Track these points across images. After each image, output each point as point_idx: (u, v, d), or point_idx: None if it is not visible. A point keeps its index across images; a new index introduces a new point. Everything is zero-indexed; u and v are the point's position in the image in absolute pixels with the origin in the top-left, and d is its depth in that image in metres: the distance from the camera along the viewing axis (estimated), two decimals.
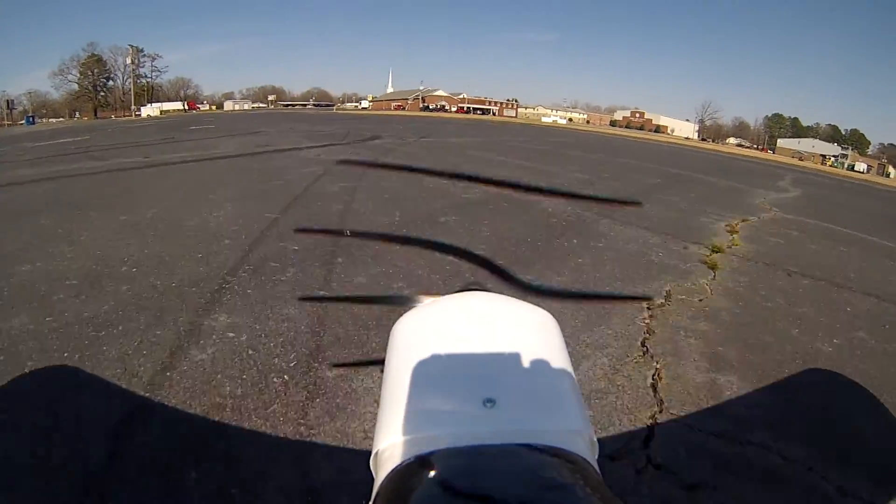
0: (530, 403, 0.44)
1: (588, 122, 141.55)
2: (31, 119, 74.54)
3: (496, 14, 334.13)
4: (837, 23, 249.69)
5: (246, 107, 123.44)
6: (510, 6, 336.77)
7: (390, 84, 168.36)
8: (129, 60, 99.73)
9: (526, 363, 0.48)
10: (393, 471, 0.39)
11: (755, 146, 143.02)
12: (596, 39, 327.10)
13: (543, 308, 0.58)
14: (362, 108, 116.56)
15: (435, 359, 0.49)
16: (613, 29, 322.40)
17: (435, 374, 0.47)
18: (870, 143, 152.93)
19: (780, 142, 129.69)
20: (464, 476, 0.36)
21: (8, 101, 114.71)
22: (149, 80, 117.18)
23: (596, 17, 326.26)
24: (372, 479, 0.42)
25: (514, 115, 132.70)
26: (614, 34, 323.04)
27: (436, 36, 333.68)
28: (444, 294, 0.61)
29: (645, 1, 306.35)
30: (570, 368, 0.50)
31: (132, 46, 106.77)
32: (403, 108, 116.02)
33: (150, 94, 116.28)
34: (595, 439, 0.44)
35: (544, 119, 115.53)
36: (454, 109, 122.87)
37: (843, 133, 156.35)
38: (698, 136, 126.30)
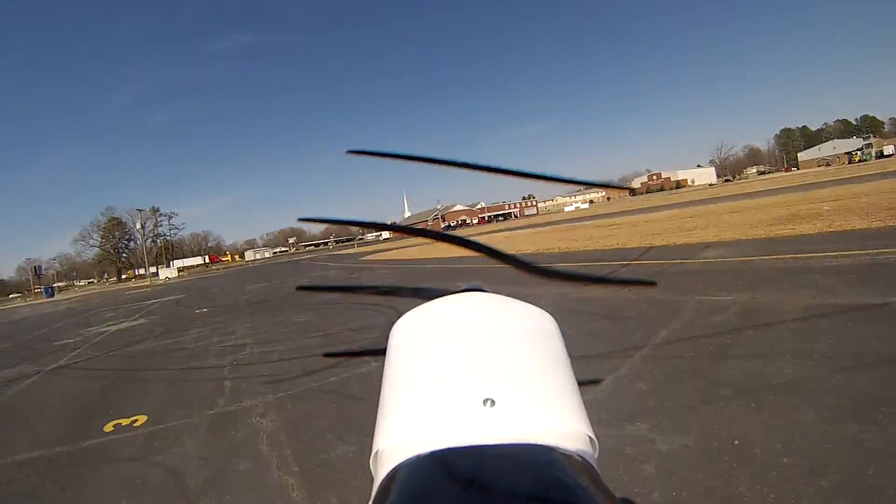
0: (530, 403, 0.44)
1: (608, 198, 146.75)
2: (50, 291, 74.26)
3: (494, 115, 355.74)
4: (816, 20, 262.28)
5: (267, 254, 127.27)
6: (504, 106, 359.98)
7: (406, 209, 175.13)
8: (138, 225, 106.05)
9: (525, 363, 0.50)
10: (393, 471, 0.40)
11: (775, 168, 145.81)
12: (595, 114, 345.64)
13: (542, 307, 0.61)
14: (383, 239, 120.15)
15: (434, 358, 0.51)
16: (610, 100, 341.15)
17: (434, 373, 0.49)
18: (883, 123, 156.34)
19: (801, 155, 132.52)
20: (463, 476, 0.37)
21: (35, 267, 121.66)
22: (167, 238, 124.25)
23: (590, 95, 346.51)
24: (372, 479, 0.43)
25: (535, 212, 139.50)
26: (611, 105, 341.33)
27: (439, 150, 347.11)
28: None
29: (631, 63, 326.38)
30: (569, 368, 0.52)
31: (141, 210, 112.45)
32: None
33: (171, 251, 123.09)
34: (595, 439, 0.45)
35: (566, 209, 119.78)
36: (475, 222, 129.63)
37: (855, 123, 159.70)
38: (720, 179, 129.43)
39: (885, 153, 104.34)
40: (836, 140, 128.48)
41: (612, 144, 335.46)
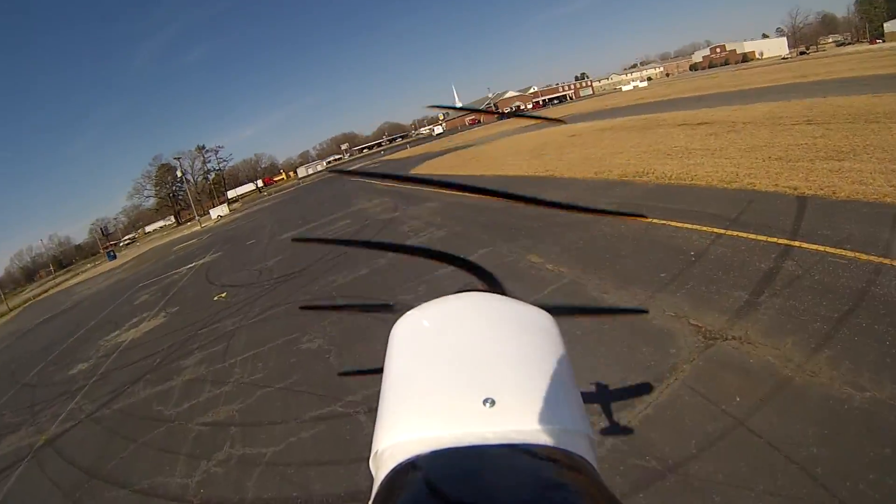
0: (530, 403, 0.45)
1: (668, 74, 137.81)
2: (112, 254, 72.59)
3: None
4: None
5: (319, 168, 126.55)
6: None
7: (457, 99, 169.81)
8: (184, 166, 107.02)
9: (525, 363, 0.50)
10: (392, 471, 0.41)
11: (857, 39, 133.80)
12: None
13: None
14: (437, 134, 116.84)
15: (434, 359, 0.52)
16: None
17: (434, 374, 0.50)
18: None
19: (888, 25, 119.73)
20: (463, 476, 0.38)
21: (102, 228, 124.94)
22: (219, 170, 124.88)
23: None
24: (372, 479, 0.44)
25: (590, 92, 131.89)
26: None
27: (487, 33, 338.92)
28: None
29: None
30: (569, 368, 0.53)
31: (182, 154, 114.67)
32: (479, 122, 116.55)
33: (224, 184, 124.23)
34: (595, 439, 0.45)
35: (624, 88, 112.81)
36: (530, 106, 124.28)
37: None
38: (793, 50, 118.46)
39: None
40: None
41: (670, 14, 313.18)
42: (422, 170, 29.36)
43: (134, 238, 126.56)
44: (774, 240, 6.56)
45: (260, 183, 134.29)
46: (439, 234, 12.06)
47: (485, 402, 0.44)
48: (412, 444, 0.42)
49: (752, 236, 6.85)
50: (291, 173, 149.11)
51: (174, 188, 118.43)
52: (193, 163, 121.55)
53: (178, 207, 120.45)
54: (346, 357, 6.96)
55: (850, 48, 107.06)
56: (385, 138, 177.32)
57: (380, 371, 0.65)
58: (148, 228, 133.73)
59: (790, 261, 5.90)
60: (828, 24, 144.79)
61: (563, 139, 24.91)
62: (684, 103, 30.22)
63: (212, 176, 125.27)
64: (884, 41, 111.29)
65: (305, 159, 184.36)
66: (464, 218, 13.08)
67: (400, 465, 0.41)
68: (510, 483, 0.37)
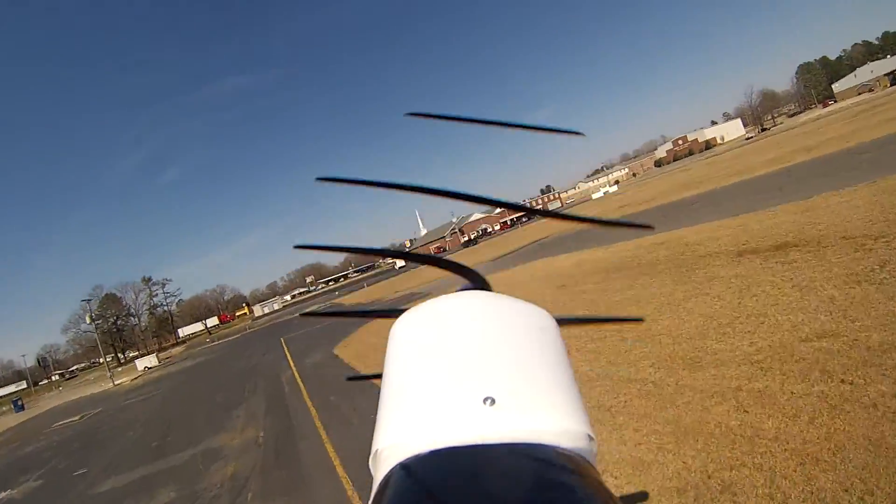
0: (529, 402, 0.45)
1: (634, 174, 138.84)
2: (19, 405, 62.38)
3: (500, 104, 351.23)
4: None
5: (276, 306, 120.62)
6: (505, 97, 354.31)
7: (421, 226, 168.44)
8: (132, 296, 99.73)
9: (525, 362, 0.50)
10: (392, 470, 0.41)
11: (805, 107, 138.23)
12: (601, 89, 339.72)
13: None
14: (399, 267, 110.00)
15: (434, 358, 0.51)
16: (612, 74, 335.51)
17: (434, 373, 0.49)
18: None
19: (836, 86, 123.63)
20: (463, 476, 0.38)
21: (40, 358, 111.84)
22: (164, 307, 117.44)
23: (591, 71, 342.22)
24: (372, 479, 0.44)
25: (559, 205, 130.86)
26: (615, 78, 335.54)
27: (448, 159, 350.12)
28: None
29: (624, 30, 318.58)
30: (569, 367, 0.53)
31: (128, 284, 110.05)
32: (444, 250, 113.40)
33: (171, 321, 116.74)
34: (595, 439, 0.46)
35: (595, 196, 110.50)
36: (498, 228, 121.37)
37: (877, 42, 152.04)
38: (755, 129, 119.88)
39: None
40: (871, 63, 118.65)
41: (623, 117, 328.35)
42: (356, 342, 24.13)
43: (60, 382, 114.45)
44: None
45: (214, 321, 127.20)
46: None
47: (485, 401, 0.45)
48: (412, 444, 0.43)
49: None
50: (257, 307, 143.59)
51: (118, 323, 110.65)
52: (138, 296, 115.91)
53: (122, 345, 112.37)
54: None
55: (804, 116, 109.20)
56: (351, 269, 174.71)
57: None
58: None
59: None
60: (770, 100, 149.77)
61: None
62: (687, 208, 25.75)
63: (159, 311, 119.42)
64: (835, 101, 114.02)
65: (273, 291, 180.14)
66: None
67: (400, 464, 0.42)
68: (510, 483, 0.37)
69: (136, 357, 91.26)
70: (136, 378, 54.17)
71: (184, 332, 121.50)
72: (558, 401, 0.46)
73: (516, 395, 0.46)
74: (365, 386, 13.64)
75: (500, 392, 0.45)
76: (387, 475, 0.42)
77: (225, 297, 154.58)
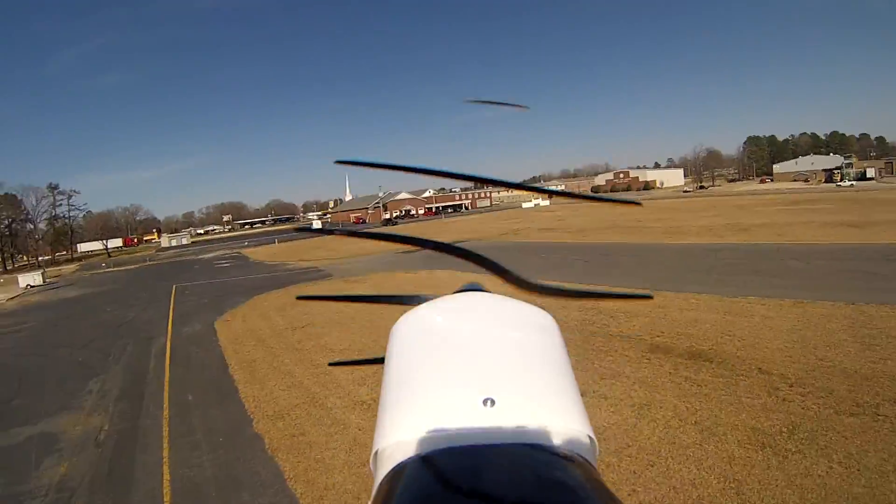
0: (530, 403, 0.45)
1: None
2: None
3: (448, 96, 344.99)
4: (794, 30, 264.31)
5: (184, 241, 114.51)
6: (457, 86, 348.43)
7: (348, 191, 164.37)
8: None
9: (525, 362, 0.51)
10: (392, 470, 0.42)
11: (744, 177, 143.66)
12: (559, 104, 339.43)
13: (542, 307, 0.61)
14: (315, 228, 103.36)
15: (434, 358, 0.52)
16: (577, 90, 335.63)
17: (434, 373, 0.50)
18: (853, 141, 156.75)
19: (776, 167, 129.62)
20: (463, 476, 0.38)
21: None
22: (67, 219, 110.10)
23: (557, 81, 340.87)
24: (372, 479, 0.45)
25: (487, 203, 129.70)
26: (579, 96, 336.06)
27: (389, 130, 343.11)
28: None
29: (603, 53, 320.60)
30: (569, 367, 0.53)
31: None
32: (363, 221, 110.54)
33: (71, 236, 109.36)
34: (594, 438, 0.46)
35: (525, 205, 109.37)
36: (422, 212, 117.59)
37: (824, 138, 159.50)
38: (694, 185, 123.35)
39: (868, 176, 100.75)
40: (814, 156, 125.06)
41: (573, 133, 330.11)
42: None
43: None
44: None
45: (118, 242, 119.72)
46: None
47: (485, 401, 0.45)
48: (412, 444, 0.43)
49: None
50: (164, 234, 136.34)
51: (13, 226, 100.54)
52: (39, 203, 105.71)
53: (13, 251, 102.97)
54: None
55: (741, 185, 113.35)
56: (270, 217, 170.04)
57: (369, 362, 0.70)
58: None
59: None
60: (714, 158, 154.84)
61: None
62: (616, 257, 25.32)
63: (60, 223, 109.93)
64: (772, 180, 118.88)
65: (189, 222, 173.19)
66: None
67: (400, 464, 0.42)
68: (510, 483, 0.38)
69: (25, 266, 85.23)
70: (12, 298, 48.60)
71: (84, 247, 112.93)
72: (558, 401, 0.47)
73: (516, 396, 0.46)
74: (230, 394, 12.51)
75: (500, 393, 0.45)
76: (387, 475, 0.42)
77: (137, 218, 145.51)
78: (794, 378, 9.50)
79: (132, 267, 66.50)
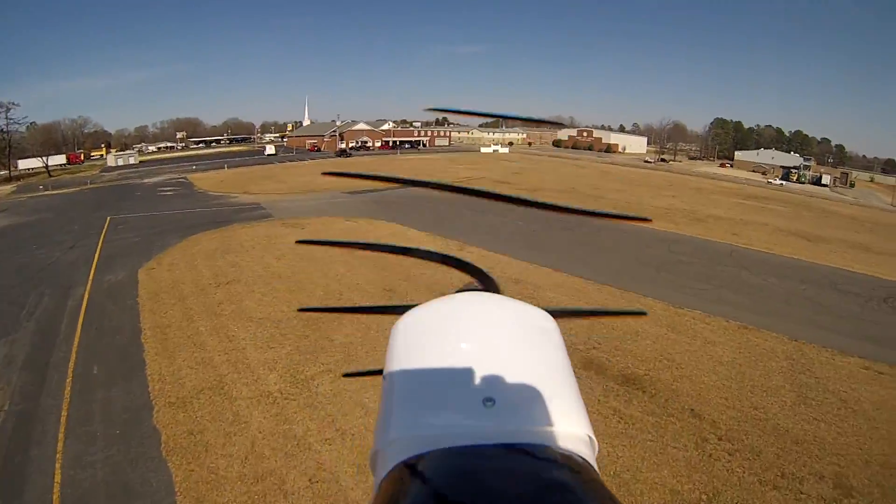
0: (529, 403, 0.46)
1: (530, 143, 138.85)
2: None
3: (419, 28, 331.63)
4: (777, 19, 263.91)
5: (132, 160, 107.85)
6: (433, 17, 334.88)
7: (306, 116, 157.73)
8: None
9: (525, 363, 0.51)
10: (392, 470, 0.42)
11: (705, 157, 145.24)
12: (526, 49, 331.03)
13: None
14: (268, 154, 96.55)
15: (434, 359, 0.52)
16: (544, 38, 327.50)
17: (434, 373, 0.50)
18: (814, 142, 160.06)
19: (738, 154, 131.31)
20: (463, 476, 0.39)
21: None
22: (4, 134, 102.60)
23: (525, 26, 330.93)
24: (372, 479, 0.45)
25: (446, 143, 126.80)
26: (545, 44, 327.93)
27: (353, 56, 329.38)
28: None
29: (575, 5, 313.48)
30: (569, 368, 0.54)
31: None
32: (318, 149, 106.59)
33: (8, 151, 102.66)
34: (594, 439, 0.46)
35: (483, 149, 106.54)
36: (378, 145, 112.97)
37: (787, 135, 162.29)
38: (655, 155, 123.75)
39: (823, 182, 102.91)
40: (775, 150, 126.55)
41: (544, 80, 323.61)
42: None
43: None
44: None
45: (59, 160, 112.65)
46: None
47: (485, 401, 0.45)
48: (412, 444, 0.43)
49: None
50: (112, 150, 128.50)
51: None
52: None
53: None
54: None
55: (701, 165, 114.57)
56: (226, 136, 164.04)
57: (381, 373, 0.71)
58: None
59: None
60: (679, 132, 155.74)
61: None
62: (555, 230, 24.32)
63: None
64: (732, 166, 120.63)
65: (141, 137, 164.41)
66: None
67: (400, 464, 0.42)
68: (509, 483, 0.38)
69: None
70: None
71: (25, 164, 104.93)
72: (558, 402, 0.47)
73: (516, 396, 0.46)
74: (137, 369, 11.70)
75: (499, 393, 0.46)
76: (387, 475, 0.42)
77: (85, 130, 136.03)
78: (724, 428, 9.13)
79: (71, 191, 60.63)
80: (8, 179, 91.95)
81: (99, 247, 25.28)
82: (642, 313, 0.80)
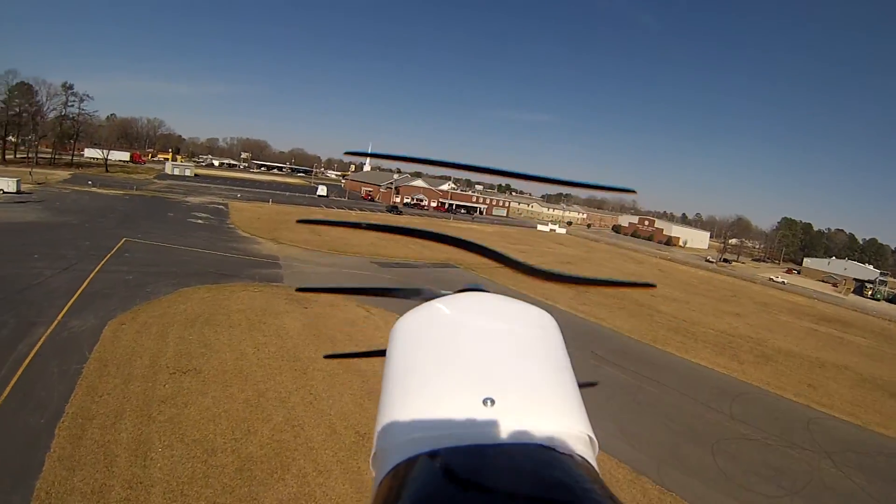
0: (530, 402, 0.46)
1: (589, 225, 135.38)
2: None
3: (487, 92, 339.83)
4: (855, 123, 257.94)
5: (187, 172, 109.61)
6: (503, 85, 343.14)
7: (368, 161, 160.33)
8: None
9: (525, 362, 0.51)
10: (392, 469, 0.42)
11: (771, 259, 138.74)
12: (594, 124, 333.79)
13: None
14: (319, 195, 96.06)
15: (435, 358, 0.52)
16: (613, 114, 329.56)
17: (435, 373, 0.50)
18: (890, 251, 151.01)
19: (807, 262, 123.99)
20: (463, 475, 0.39)
21: None
22: (73, 118, 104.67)
23: (594, 100, 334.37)
24: (373, 478, 0.45)
25: (504, 213, 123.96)
26: (614, 119, 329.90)
27: (422, 110, 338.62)
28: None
29: (648, 88, 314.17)
30: (569, 367, 0.54)
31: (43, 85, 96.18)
32: (372, 199, 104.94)
33: (76, 135, 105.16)
34: (594, 438, 0.47)
35: (540, 227, 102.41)
36: (434, 205, 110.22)
37: (861, 242, 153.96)
38: (718, 255, 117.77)
39: None
40: (849, 261, 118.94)
41: (607, 160, 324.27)
42: None
43: None
44: None
45: (123, 156, 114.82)
46: None
47: (485, 401, 0.45)
48: (412, 443, 0.43)
49: None
50: (178, 157, 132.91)
51: (21, 115, 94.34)
52: (51, 99, 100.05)
53: (17, 140, 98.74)
54: None
55: (765, 270, 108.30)
56: (289, 165, 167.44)
57: (363, 354, 0.72)
58: None
59: None
60: (743, 227, 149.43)
61: None
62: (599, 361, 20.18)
63: (68, 124, 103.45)
64: (799, 273, 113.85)
65: (210, 148, 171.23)
66: None
67: (400, 463, 0.42)
68: (510, 482, 0.38)
69: (24, 161, 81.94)
70: None
71: (91, 153, 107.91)
72: (558, 401, 0.47)
73: (516, 396, 0.46)
74: (26, 478, 9.46)
75: (500, 392, 0.46)
76: (387, 475, 0.42)
77: (159, 131, 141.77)
78: None
79: (113, 193, 61.04)
80: (69, 165, 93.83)
81: (91, 276, 23.69)
82: (651, 285, 0.77)
